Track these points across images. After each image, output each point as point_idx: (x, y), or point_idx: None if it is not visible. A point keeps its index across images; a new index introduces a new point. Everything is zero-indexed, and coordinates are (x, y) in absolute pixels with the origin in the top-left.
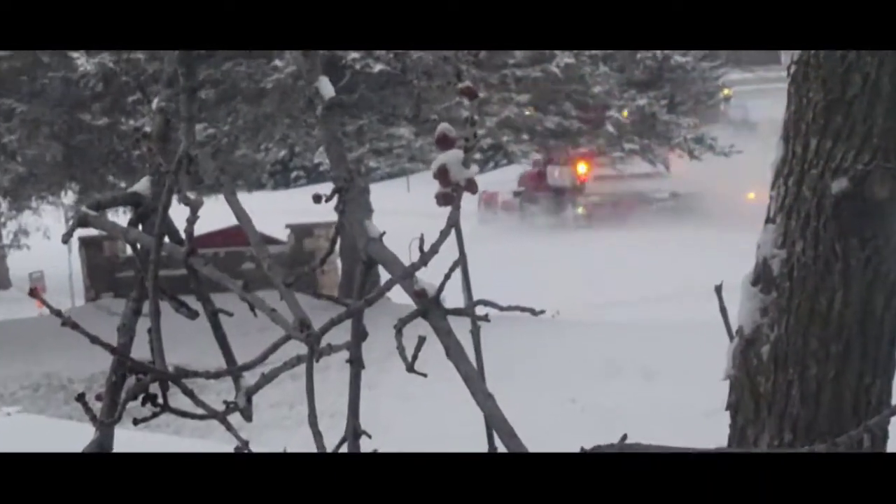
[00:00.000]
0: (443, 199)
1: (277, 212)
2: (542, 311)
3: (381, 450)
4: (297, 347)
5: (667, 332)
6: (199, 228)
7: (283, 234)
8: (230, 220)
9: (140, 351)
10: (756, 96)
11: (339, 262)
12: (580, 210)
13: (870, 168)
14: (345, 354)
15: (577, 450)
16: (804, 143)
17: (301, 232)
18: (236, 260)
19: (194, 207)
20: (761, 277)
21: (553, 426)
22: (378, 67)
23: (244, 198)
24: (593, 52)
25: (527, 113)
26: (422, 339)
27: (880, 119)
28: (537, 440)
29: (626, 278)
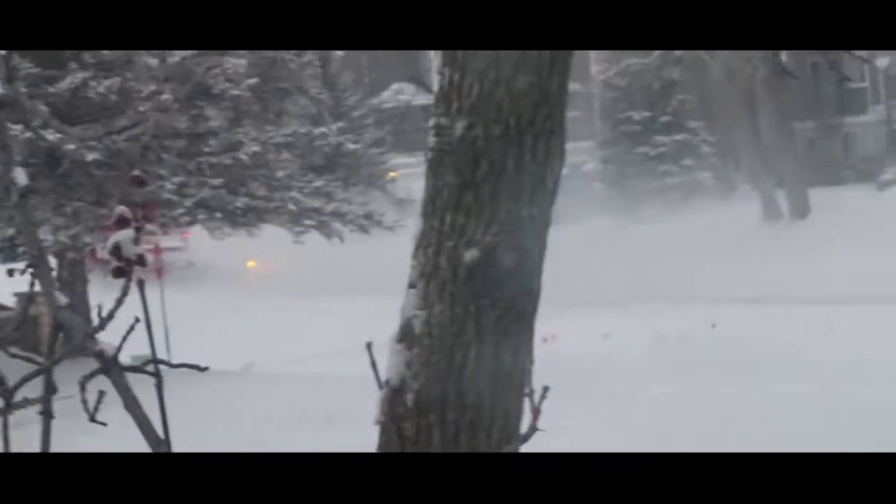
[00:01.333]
0: (117, 272)
1: (10, 283)
2: (207, 368)
3: None
4: None
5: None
6: None
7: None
8: None
9: None
10: (419, 178)
11: None
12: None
13: (497, 240)
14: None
15: None
16: (440, 218)
17: (25, 299)
18: None
19: None
20: (405, 335)
21: None
22: (91, 157)
23: None
24: (278, 140)
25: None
26: (101, 393)
27: (504, 198)
28: None
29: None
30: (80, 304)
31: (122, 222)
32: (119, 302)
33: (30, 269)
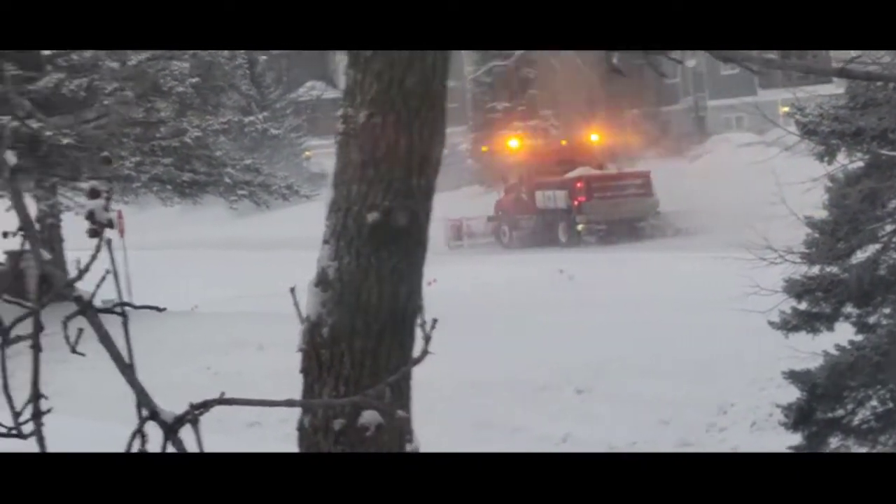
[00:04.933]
0: (92, 234)
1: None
2: (165, 308)
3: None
4: None
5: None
6: None
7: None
8: None
9: None
10: (329, 157)
11: None
12: None
13: (393, 205)
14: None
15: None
16: (348, 188)
17: (15, 256)
18: None
19: None
20: (322, 281)
21: (195, 387)
22: (66, 141)
23: None
24: (216, 127)
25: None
26: (80, 331)
27: (398, 172)
28: (180, 398)
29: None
30: (58, 259)
31: (94, 194)
32: (93, 257)
33: (20, 232)
